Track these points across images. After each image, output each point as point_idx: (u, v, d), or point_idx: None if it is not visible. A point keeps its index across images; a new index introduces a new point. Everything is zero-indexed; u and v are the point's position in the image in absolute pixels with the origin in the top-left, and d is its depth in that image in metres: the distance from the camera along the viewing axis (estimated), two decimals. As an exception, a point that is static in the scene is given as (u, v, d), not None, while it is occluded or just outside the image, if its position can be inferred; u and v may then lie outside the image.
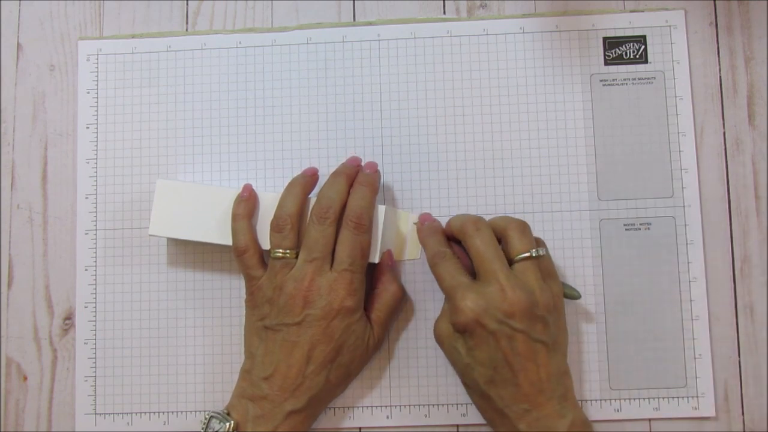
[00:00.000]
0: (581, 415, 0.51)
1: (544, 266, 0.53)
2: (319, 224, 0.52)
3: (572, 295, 0.54)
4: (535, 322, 0.50)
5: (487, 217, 0.57)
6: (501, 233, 0.53)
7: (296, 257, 0.53)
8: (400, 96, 0.59)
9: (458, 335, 0.51)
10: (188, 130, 0.59)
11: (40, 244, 0.59)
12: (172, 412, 0.57)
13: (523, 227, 0.53)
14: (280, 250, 0.53)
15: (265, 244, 0.54)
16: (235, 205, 0.55)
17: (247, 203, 0.55)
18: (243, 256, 0.54)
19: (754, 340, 0.56)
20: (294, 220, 0.53)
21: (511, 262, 0.52)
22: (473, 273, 0.53)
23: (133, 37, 0.60)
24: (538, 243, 0.54)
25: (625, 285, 0.57)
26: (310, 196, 0.55)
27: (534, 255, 0.52)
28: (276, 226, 0.53)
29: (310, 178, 0.56)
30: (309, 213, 0.54)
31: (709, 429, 0.56)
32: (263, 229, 0.55)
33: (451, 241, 0.55)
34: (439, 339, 0.54)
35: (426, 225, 0.56)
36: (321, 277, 0.52)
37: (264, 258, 0.55)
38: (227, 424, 0.51)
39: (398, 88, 0.59)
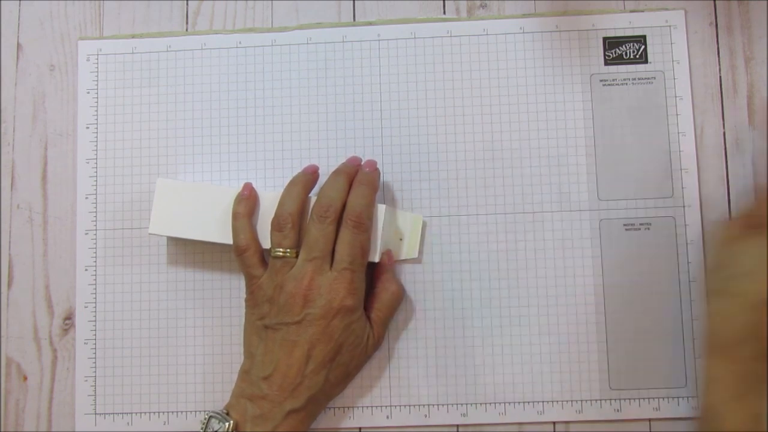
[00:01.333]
0: None
1: None
2: (319, 223, 0.52)
3: None
4: None
5: (488, 217, 0.57)
6: None
7: (296, 256, 0.53)
8: (400, 96, 0.59)
9: (761, 242, 0.46)
10: (188, 130, 0.59)
11: (40, 244, 0.59)
12: (172, 412, 0.57)
13: None
14: (281, 249, 0.53)
15: (266, 243, 0.54)
16: (235, 203, 0.55)
17: (247, 202, 0.55)
18: (243, 255, 0.54)
19: (754, 340, 0.56)
20: (295, 219, 0.53)
21: None
22: None
23: (133, 37, 0.60)
24: None
25: (625, 285, 0.57)
26: (310, 195, 0.55)
27: None
28: (276, 225, 0.53)
29: (310, 176, 0.56)
30: (309, 212, 0.54)
31: (709, 429, 0.56)
32: (264, 227, 0.55)
33: None
34: (724, 240, 0.48)
35: None
36: (321, 276, 0.52)
37: (264, 257, 0.55)
38: (226, 423, 0.51)
39: (398, 88, 0.59)
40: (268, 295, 0.53)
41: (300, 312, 0.51)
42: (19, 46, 0.61)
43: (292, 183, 0.55)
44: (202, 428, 0.51)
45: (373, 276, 0.56)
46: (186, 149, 0.59)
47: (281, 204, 0.54)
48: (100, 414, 0.57)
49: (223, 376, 0.57)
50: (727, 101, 0.58)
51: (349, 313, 0.52)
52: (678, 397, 0.56)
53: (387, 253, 0.56)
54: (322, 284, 0.52)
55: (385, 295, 0.55)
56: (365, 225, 0.53)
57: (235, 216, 0.54)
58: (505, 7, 0.60)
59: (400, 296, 0.56)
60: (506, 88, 0.58)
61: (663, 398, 0.56)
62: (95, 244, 0.58)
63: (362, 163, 0.56)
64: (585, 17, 0.59)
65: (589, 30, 0.59)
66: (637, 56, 0.58)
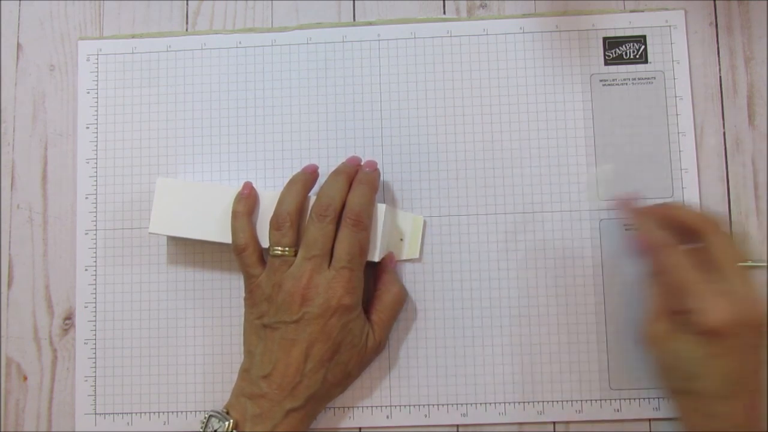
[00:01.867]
0: None
1: None
2: (318, 222, 0.52)
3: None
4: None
5: (488, 217, 0.57)
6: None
7: (295, 255, 0.53)
8: (400, 96, 0.59)
9: (691, 338, 0.47)
10: (188, 130, 0.59)
11: (40, 244, 0.59)
12: (172, 412, 0.57)
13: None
14: (279, 248, 0.53)
15: (265, 242, 0.54)
16: (235, 202, 0.55)
17: (247, 201, 0.55)
18: (243, 254, 0.54)
19: (754, 340, 0.56)
20: (293, 218, 0.53)
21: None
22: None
23: (133, 37, 0.60)
24: None
25: (625, 285, 0.57)
26: (310, 194, 0.55)
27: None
28: (275, 224, 0.53)
29: (310, 175, 0.56)
30: (309, 211, 0.54)
31: (710, 429, 0.56)
32: (263, 226, 0.55)
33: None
34: (652, 340, 0.49)
35: (639, 205, 0.52)
36: (319, 275, 0.52)
37: (264, 256, 0.55)
38: (226, 423, 0.51)
39: (398, 88, 0.59)
40: (267, 293, 0.52)
41: (298, 311, 0.51)
42: (19, 46, 0.61)
43: (292, 182, 0.55)
44: (201, 428, 0.51)
45: (375, 278, 0.56)
46: (186, 149, 0.59)
47: (280, 203, 0.54)
48: (100, 414, 0.57)
49: (223, 376, 0.57)
50: (727, 101, 0.58)
51: (347, 311, 0.52)
52: (678, 397, 0.56)
53: (389, 255, 0.56)
54: (320, 283, 0.52)
55: (387, 297, 0.55)
56: (364, 224, 0.53)
57: (235, 215, 0.54)
58: (505, 7, 0.60)
59: (403, 298, 0.56)
60: (506, 88, 0.58)
61: (663, 398, 0.56)
62: (95, 244, 0.58)
63: (362, 162, 0.56)
64: (585, 17, 0.59)
65: (589, 30, 0.59)
66: (637, 56, 0.58)
